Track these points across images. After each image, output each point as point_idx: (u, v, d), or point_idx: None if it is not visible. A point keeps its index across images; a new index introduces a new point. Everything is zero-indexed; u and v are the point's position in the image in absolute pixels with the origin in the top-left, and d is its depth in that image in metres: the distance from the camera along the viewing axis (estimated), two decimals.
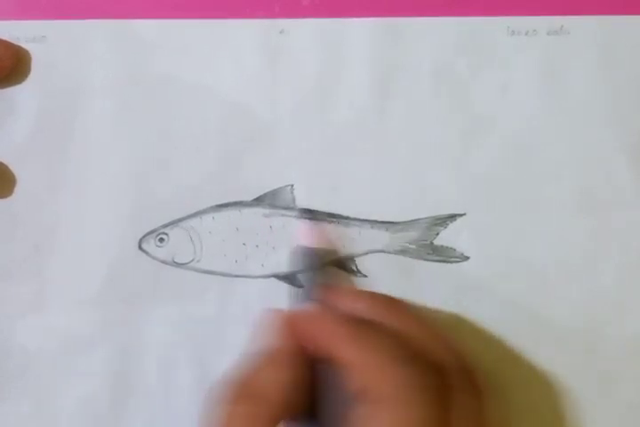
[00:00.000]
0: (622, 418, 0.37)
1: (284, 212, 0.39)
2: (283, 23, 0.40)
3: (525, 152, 0.39)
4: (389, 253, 0.38)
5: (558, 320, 0.38)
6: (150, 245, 0.38)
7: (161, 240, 0.38)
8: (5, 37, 0.39)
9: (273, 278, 0.38)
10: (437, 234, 0.38)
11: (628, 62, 0.40)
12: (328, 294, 0.34)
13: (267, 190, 0.39)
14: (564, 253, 0.38)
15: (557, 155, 0.39)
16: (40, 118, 0.39)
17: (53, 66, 0.40)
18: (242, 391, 0.30)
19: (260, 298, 0.38)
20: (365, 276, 0.38)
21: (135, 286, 0.38)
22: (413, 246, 0.38)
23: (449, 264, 0.38)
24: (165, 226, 0.38)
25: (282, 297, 0.37)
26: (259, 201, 0.39)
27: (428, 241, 0.38)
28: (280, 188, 0.39)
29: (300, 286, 0.37)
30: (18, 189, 0.39)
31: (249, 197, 0.39)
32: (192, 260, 0.38)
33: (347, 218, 0.39)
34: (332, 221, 0.38)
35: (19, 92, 0.39)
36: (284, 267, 0.38)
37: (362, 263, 0.38)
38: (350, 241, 0.38)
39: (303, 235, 0.38)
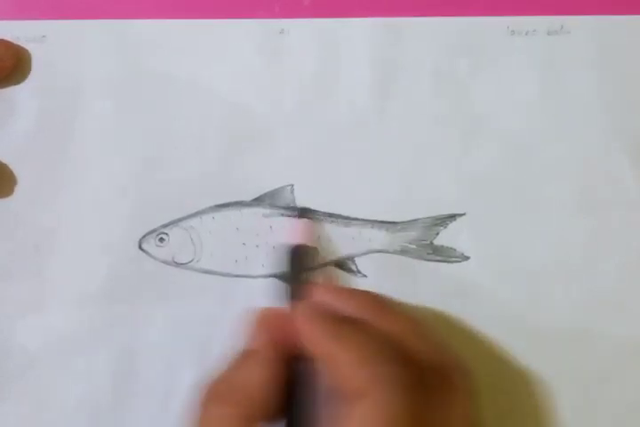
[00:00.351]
0: (622, 418, 0.37)
1: (284, 212, 0.39)
2: (283, 23, 0.40)
3: (525, 152, 0.39)
4: (389, 253, 0.38)
5: (558, 320, 0.38)
6: (150, 245, 0.38)
7: (161, 240, 0.38)
8: (5, 37, 0.39)
9: (273, 278, 0.38)
10: (437, 234, 0.38)
11: (628, 62, 0.40)
12: (311, 291, 0.34)
13: (267, 190, 0.39)
14: (564, 252, 0.38)
15: (557, 155, 0.39)
16: (40, 118, 0.39)
17: (53, 66, 0.40)
18: (221, 392, 0.30)
19: (260, 298, 0.38)
20: (365, 276, 0.38)
21: (135, 285, 0.38)
22: (413, 246, 0.38)
23: (449, 264, 0.38)
24: (165, 226, 0.38)
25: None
26: (259, 201, 0.39)
27: (427, 241, 0.38)
28: (280, 188, 0.39)
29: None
30: (18, 188, 0.39)
31: (249, 197, 0.39)
32: (192, 260, 0.38)
33: (347, 218, 0.39)
34: (332, 221, 0.38)
35: (19, 92, 0.39)
36: (283, 267, 0.38)
37: (362, 263, 0.38)
38: (350, 241, 0.38)
39: (290, 233, 0.38)
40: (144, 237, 0.38)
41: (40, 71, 0.40)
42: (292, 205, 0.39)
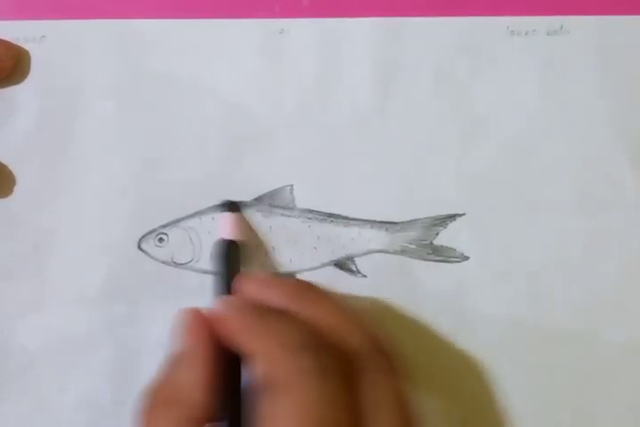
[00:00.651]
0: (622, 419, 0.37)
1: (283, 212, 0.39)
2: (283, 23, 0.40)
3: (525, 152, 0.39)
4: (389, 253, 0.38)
5: (558, 320, 0.38)
6: (150, 246, 0.38)
7: (160, 240, 0.38)
8: (5, 37, 0.39)
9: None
10: (437, 234, 0.38)
11: (628, 62, 0.40)
12: (238, 284, 0.33)
13: (267, 190, 0.39)
14: (563, 253, 0.38)
15: (557, 155, 0.39)
16: (40, 118, 0.39)
17: (53, 66, 0.40)
18: (160, 396, 0.30)
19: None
20: (365, 276, 0.38)
21: (135, 285, 0.38)
22: (413, 246, 0.38)
23: (449, 264, 0.38)
24: (165, 226, 0.38)
25: None
26: (258, 201, 0.39)
27: (427, 241, 0.38)
28: (280, 188, 0.39)
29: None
30: (18, 189, 0.39)
31: (249, 198, 0.39)
32: (192, 260, 0.38)
33: (346, 218, 0.39)
34: (332, 221, 0.38)
35: (19, 92, 0.39)
36: (283, 267, 0.38)
37: (362, 263, 0.38)
38: (350, 241, 0.38)
39: (220, 227, 0.37)
40: (143, 237, 0.38)
41: (40, 71, 0.40)
42: (291, 205, 0.39)
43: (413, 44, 0.40)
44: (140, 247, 0.38)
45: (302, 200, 0.39)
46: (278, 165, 0.39)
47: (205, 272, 0.38)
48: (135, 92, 0.40)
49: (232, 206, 0.38)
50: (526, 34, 0.40)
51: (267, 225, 0.38)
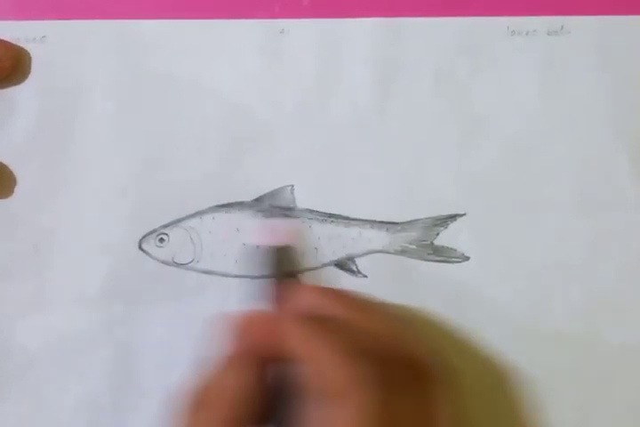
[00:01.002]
0: (622, 419, 0.37)
1: (284, 212, 0.39)
2: (283, 23, 0.40)
3: (525, 152, 0.39)
4: (389, 253, 0.38)
5: (557, 320, 0.38)
6: (150, 246, 0.38)
7: (161, 240, 0.38)
8: (5, 37, 0.39)
9: (273, 279, 0.38)
10: (438, 234, 0.38)
11: (628, 62, 0.40)
12: (292, 292, 0.34)
13: (267, 190, 0.39)
14: (563, 253, 0.38)
15: (557, 155, 0.39)
16: (40, 118, 0.39)
17: (53, 66, 0.40)
18: (202, 399, 0.30)
19: (260, 298, 0.38)
20: (365, 276, 0.38)
21: (135, 286, 0.38)
22: (414, 247, 0.38)
23: (449, 264, 0.38)
24: (165, 226, 0.38)
25: None
26: (259, 201, 0.39)
27: (428, 241, 0.38)
28: (280, 188, 0.39)
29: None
30: (18, 189, 0.39)
31: (249, 197, 0.39)
32: (192, 260, 0.38)
33: (347, 218, 0.39)
34: (332, 222, 0.38)
35: (19, 93, 0.39)
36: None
37: (362, 263, 0.38)
38: (350, 241, 0.38)
39: (259, 233, 0.38)
40: (144, 237, 0.38)
41: (40, 71, 0.40)
42: (292, 205, 0.39)
43: (413, 44, 0.40)
44: (140, 247, 0.38)
45: (302, 200, 0.39)
46: (278, 165, 0.39)
47: (206, 272, 0.38)
48: (135, 93, 0.40)
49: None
50: (526, 34, 0.40)
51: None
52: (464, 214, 0.39)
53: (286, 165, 0.39)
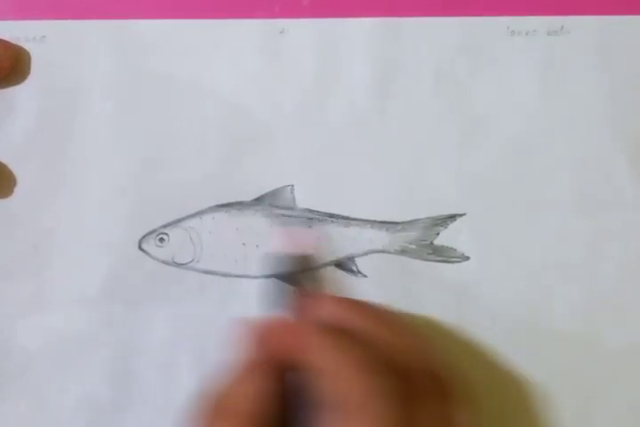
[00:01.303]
0: (622, 419, 0.37)
1: (284, 212, 0.39)
2: (283, 23, 0.40)
3: (525, 152, 0.39)
4: (390, 253, 0.38)
5: (557, 320, 0.38)
6: (150, 246, 0.38)
7: (161, 240, 0.38)
8: (5, 37, 0.39)
9: (273, 279, 0.38)
10: (437, 234, 0.38)
11: (628, 62, 0.40)
12: (299, 300, 0.34)
13: (267, 190, 0.39)
14: (563, 253, 0.38)
15: (557, 155, 0.39)
16: (40, 118, 0.39)
17: (53, 66, 0.40)
18: (220, 406, 0.30)
19: (259, 299, 0.38)
20: (365, 276, 0.38)
21: (135, 285, 0.38)
22: (414, 246, 0.38)
23: (449, 264, 0.38)
24: (165, 226, 0.38)
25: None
26: (259, 201, 0.39)
27: (428, 241, 0.38)
28: (280, 188, 0.39)
29: (295, 283, 0.37)
30: (17, 189, 0.39)
31: (249, 197, 0.39)
32: (192, 260, 0.38)
33: (347, 218, 0.39)
34: (332, 222, 0.38)
35: (18, 92, 0.39)
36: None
37: (362, 263, 0.38)
38: (350, 241, 0.38)
39: (278, 241, 0.38)
40: (144, 237, 0.38)
41: (40, 71, 0.40)
42: (291, 205, 0.39)
43: (413, 44, 0.40)
44: (140, 247, 0.38)
45: (302, 200, 0.39)
46: (278, 165, 0.39)
47: (206, 272, 0.38)
48: (135, 93, 0.40)
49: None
50: (526, 34, 0.40)
51: (267, 225, 0.38)
52: (464, 214, 0.39)
53: (286, 165, 0.39)
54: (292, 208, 0.39)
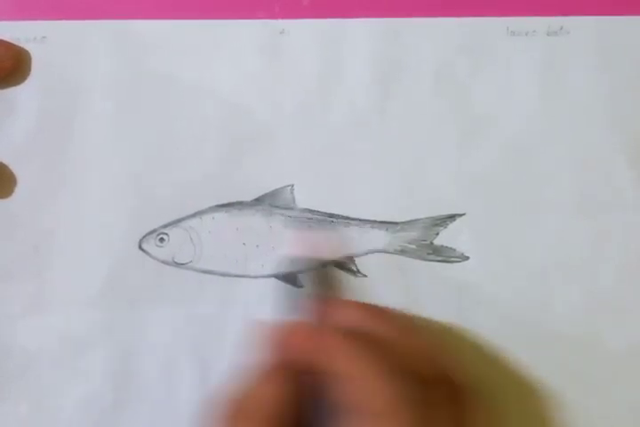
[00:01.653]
0: (623, 419, 0.37)
1: (284, 212, 0.39)
2: (283, 23, 0.40)
3: (525, 153, 0.39)
4: (389, 253, 0.38)
5: (557, 321, 0.38)
6: (150, 246, 0.38)
7: (161, 240, 0.38)
8: (5, 38, 0.39)
9: (273, 278, 0.38)
10: (437, 234, 0.38)
11: (628, 63, 0.40)
12: (315, 304, 0.34)
13: (267, 190, 0.39)
14: (563, 253, 0.38)
15: (557, 155, 0.39)
16: (40, 118, 0.39)
17: (53, 66, 0.40)
18: (240, 410, 0.30)
19: (260, 298, 0.38)
20: (365, 276, 0.38)
21: (135, 286, 0.38)
22: (413, 246, 0.38)
23: (449, 264, 0.38)
24: (165, 226, 0.38)
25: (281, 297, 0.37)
26: (259, 201, 0.39)
27: (428, 241, 0.38)
28: (280, 188, 0.39)
29: (301, 286, 0.37)
30: (17, 189, 0.39)
31: (249, 197, 0.39)
32: (192, 260, 0.38)
33: (347, 218, 0.39)
34: (332, 222, 0.38)
35: (19, 93, 0.39)
36: (284, 267, 0.38)
37: (362, 263, 0.38)
38: (350, 241, 0.38)
39: (290, 244, 0.38)
40: (144, 237, 0.38)
41: (40, 71, 0.40)
42: (292, 205, 0.39)
43: (413, 44, 0.40)
44: (140, 247, 0.38)
45: (302, 200, 0.39)
46: (278, 165, 0.39)
47: (206, 272, 0.38)
48: (135, 93, 0.40)
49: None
50: (526, 34, 0.40)
51: (267, 225, 0.39)
52: (464, 214, 0.39)
53: (286, 165, 0.39)
54: (292, 208, 0.39)
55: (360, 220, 0.39)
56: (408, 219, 0.39)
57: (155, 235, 0.38)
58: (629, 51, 0.40)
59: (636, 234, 0.39)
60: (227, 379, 0.32)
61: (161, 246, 0.38)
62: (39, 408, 0.37)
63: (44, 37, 0.40)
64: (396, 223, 0.39)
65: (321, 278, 0.37)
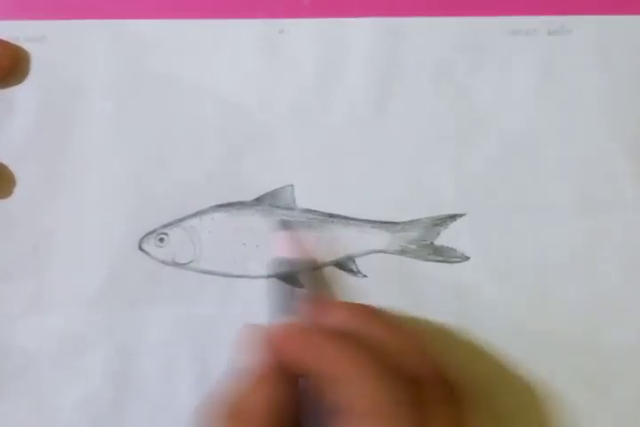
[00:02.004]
0: (623, 419, 0.37)
1: (284, 212, 0.39)
2: (283, 23, 0.40)
3: (525, 152, 0.39)
4: (390, 253, 0.38)
5: (557, 321, 0.38)
6: (150, 246, 0.38)
7: (161, 240, 0.38)
8: (5, 37, 0.39)
9: (273, 278, 0.38)
10: (438, 234, 0.38)
11: (628, 62, 0.40)
12: (305, 305, 0.34)
13: (267, 190, 0.39)
14: (563, 253, 0.38)
15: (557, 155, 0.39)
16: (39, 118, 0.39)
17: (53, 66, 0.40)
18: (235, 412, 0.30)
19: (260, 298, 0.38)
20: (365, 276, 0.38)
21: (135, 286, 0.38)
22: (414, 247, 0.38)
23: (449, 264, 0.38)
24: (165, 226, 0.38)
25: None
26: (259, 201, 0.39)
27: (428, 241, 0.38)
28: (280, 188, 0.39)
29: (301, 287, 0.37)
30: (17, 189, 0.39)
31: (249, 197, 0.39)
32: (192, 260, 0.38)
33: (347, 218, 0.39)
34: (332, 222, 0.38)
35: (18, 92, 0.39)
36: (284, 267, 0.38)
37: (362, 263, 0.38)
38: (350, 241, 0.38)
39: (278, 245, 0.38)
40: (144, 237, 0.38)
41: (40, 71, 0.40)
42: (292, 205, 0.39)
43: (413, 43, 0.40)
44: (140, 247, 0.38)
45: (302, 200, 0.39)
46: (278, 165, 0.39)
47: (206, 272, 0.38)
48: (135, 92, 0.40)
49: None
50: (527, 34, 0.40)
51: (267, 225, 0.38)
52: (464, 214, 0.39)
53: (286, 165, 0.39)
54: (292, 208, 0.39)
55: (360, 220, 0.38)
56: (408, 219, 0.39)
57: (155, 235, 0.38)
58: (630, 50, 0.40)
59: (636, 234, 0.39)
60: (222, 380, 0.32)
61: (161, 246, 0.38)
62: (39, 408, 0.37)
63: (43, 37, 0.40)
64: (396, 223, 0.39)
65: (314, 279, 0.37)
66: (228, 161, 0.39)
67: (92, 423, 0.37)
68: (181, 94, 0.40)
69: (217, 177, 0.39)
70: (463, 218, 0.38)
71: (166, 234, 0.38)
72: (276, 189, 0.39)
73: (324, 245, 0.38)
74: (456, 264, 0.38)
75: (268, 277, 0.38)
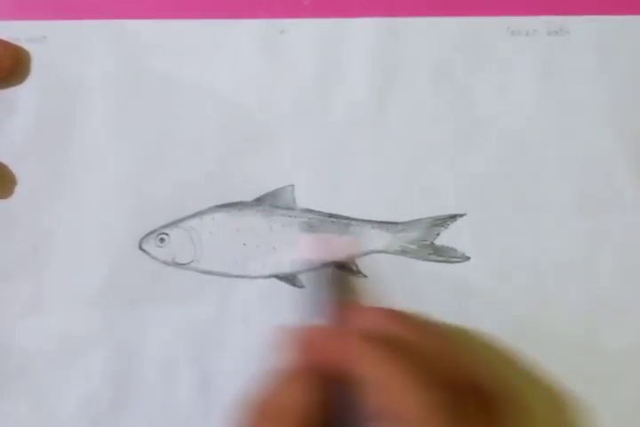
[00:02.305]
0: (624, 419, 0.37)
1: (284, 212, 0.39)
2: (283, 23, 0.40)
3: (525, 152, 0.39)
4: (390, 253, 0.38)
5: (557, 321, 0.38)
6: (151, 246, 0.38)
7: (161, 240, 0.38)
8: (5, 37, 0.39)
9: (273, 278, 0.38)
10: (438, 234, 0.38)
11: (628, 62, 0.40)
12: (341, 309, 0.34)
13: (267, 191, 0.39)
14: (563, 253, 0.38)
15: (557, 155, 0.39)
16: (40, 118, 0.39)
17: (53, 66, 0.40)
18: (267, 412, 0.30)
19: (260, 298, 0.38)
20: (366, 276, 0.38)
21: (135, 286, 0.38)
22: (414, 247, 0.38)
23: (450, 265, 0.38)
24: (166, 226, 0.38)
25: (282, 297, 0.37)
26: (259, 201, 0.39)
27: (428, 241, 0.38)
28: (281, 188, 0.39)
29: (301, 287, 0.37)
30: (17, 189, 0.39)
31: (249, 198, 0.39)
32: (192, 260, 0.38)
33: (347, 218, 0.39)
34: (333, 222, 0.38)
35: (18, 93, 0.39)
36: (284, 267, 0.38)
37: (363, 263, 0.38)
38: (351, 241, 0.38)
39: (307, 249, 0.38)
40: (144, 237, 0.38)
41: (40, 71, 0.40)
42: (292, 205, 0.39)
43: (413, 43, 0.40)
44: (141, 248, 0.38)
45: (302, 200, 0.39)
46: (278, 165, 0.39)
47: (206, 272, 0.38)
48: (135, 92, 0.40)
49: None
50: (526, 34, 0.40)
51: (267, 225, 0.38)
52: (464, 214, 0.39)
53: (286, 165, 0.39)
54: (292, 208, 0.39)
55: (360, 220, 0.38)
56: (409, 219, 0.39)
57: (155, 235, 0.38)
58: (629, 51, 0.40)
59: (636, 234, 0.39)
60: (256, 381, 0.32)
61: (161, 247, 0.38)
62: (39, 408, 0.37)
63: (43, 37, 0.40)
64: (396, 223, 0.39)
65: (338, 281, 0.37)
66: (228, 161, 0.39)
67: (92, 423, 0.37)
68: (181, 94, 0.40)
69: (217, 177, 0.39)
70: (463, 218, 0.39)
71: (167, 234, 0.38)
72: (276, 189, 0.39)
73: (325, 245, 0.38)
74: (456, 264, 0.38)
75: (277, 275, 0.38)
